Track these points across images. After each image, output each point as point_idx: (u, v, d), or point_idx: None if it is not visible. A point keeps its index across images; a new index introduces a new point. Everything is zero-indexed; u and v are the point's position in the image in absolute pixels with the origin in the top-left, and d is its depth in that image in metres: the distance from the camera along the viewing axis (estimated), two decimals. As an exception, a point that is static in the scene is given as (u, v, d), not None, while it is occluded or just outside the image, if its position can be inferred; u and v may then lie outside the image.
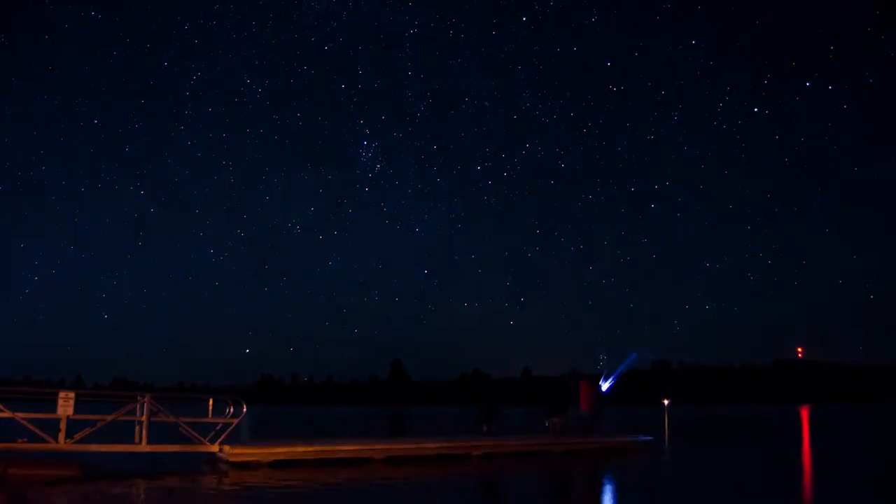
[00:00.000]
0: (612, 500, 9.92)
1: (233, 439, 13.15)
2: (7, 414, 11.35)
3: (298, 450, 12.98)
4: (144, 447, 12.06)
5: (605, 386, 19.56)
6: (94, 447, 11.87)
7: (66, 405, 11.67)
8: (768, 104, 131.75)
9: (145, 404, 12.24)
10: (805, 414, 53.58)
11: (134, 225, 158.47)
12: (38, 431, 11.37)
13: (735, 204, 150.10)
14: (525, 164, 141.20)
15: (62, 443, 11.45)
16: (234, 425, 13.10)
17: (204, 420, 13.25)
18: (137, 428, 12.20)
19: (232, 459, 12.23)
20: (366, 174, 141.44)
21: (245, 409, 13.53)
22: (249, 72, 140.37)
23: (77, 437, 11.74)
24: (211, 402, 13.88)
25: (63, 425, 11.54)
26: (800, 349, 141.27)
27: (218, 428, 12.95)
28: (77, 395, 11.91)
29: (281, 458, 12.63)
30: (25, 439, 11.52)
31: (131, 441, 12.15)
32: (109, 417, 12.19)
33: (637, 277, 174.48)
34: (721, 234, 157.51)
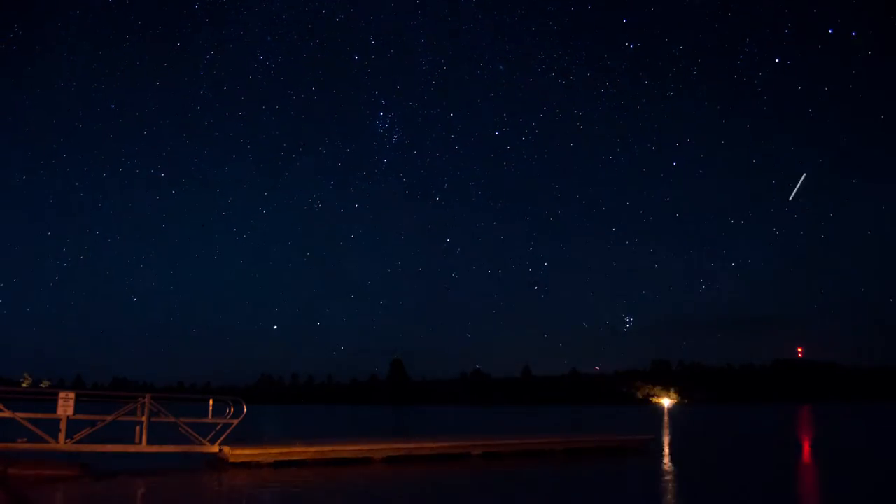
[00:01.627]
0: (612, 499, 9.91)
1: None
2: (7, 414, 11.36)
3: (299, 450, 12.97)
4: (144, 447, 12.06)
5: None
6: (94, 447, 11.87)
7: (66, 405, 11.68)
8: (790, 54, 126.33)
9: (145, 404, 12.24)
10: (805, 414, 53.57)
11: (156, 208, 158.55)
12: (38, 431, 11.38)
13: (758, 159, 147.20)
14: (543, 127, 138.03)
15: (62, 443, 11.46)
16: (234, 426, 13.09)
17: (204, 420, 13.25)
18: (137, 428, 12.20)
19: (232, 460, 12.22)
20: (383, 145, 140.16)
21: (245, 410, 13.52)
22: (262, 48, 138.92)
23: (77, 437, 11.75)
24: (211, 402, 13.88)
25: (63, 425, 11.55)
26: (800, 349, 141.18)
27: (218, 428, 12.95)
28: (77, 395, 11.92)
29: (281, 458, 12.62)
30: (25, 439, 11.54)
31: (131, 441, 12.14)
32: (109, 417, 12.20)
33: (661, 237, 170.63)
34: (745, 190, 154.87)
